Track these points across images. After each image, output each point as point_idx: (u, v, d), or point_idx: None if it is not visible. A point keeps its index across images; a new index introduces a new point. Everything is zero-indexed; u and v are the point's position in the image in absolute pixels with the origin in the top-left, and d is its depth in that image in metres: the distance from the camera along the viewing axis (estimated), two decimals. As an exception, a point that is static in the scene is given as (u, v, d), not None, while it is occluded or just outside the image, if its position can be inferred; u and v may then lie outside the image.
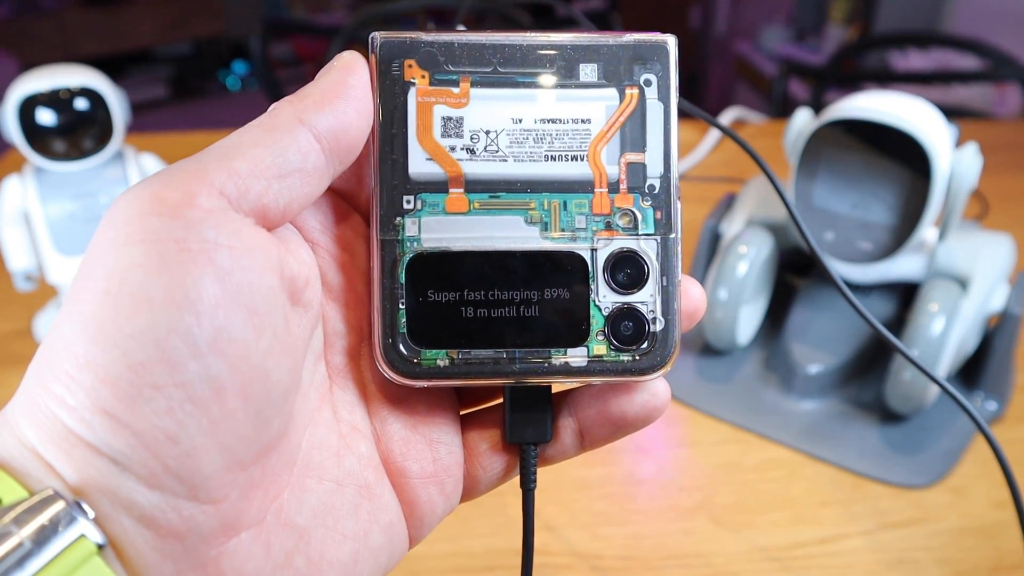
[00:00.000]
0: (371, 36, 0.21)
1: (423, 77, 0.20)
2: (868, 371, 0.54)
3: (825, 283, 0.57)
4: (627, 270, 0.20)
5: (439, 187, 0.20)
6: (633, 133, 0.20)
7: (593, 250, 0.20)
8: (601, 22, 1.39)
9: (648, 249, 0.20)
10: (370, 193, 0.21)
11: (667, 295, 0.20)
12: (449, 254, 0.20)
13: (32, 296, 0.62)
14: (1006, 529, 0.45)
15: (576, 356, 0.20)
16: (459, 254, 0.20)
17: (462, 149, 0.20)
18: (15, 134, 0.52)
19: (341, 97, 0.20)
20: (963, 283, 0.50)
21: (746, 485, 0.48)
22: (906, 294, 0.56)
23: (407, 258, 0.20)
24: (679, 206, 0.21)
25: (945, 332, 0.47)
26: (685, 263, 0.69)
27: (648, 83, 0.20)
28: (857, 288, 0.56)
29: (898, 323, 0.54)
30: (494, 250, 0.20)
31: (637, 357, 0.20)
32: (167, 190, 0.18)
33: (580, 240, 0.20)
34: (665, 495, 0.47)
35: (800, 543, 0.44)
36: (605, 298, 0.20)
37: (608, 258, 0.20)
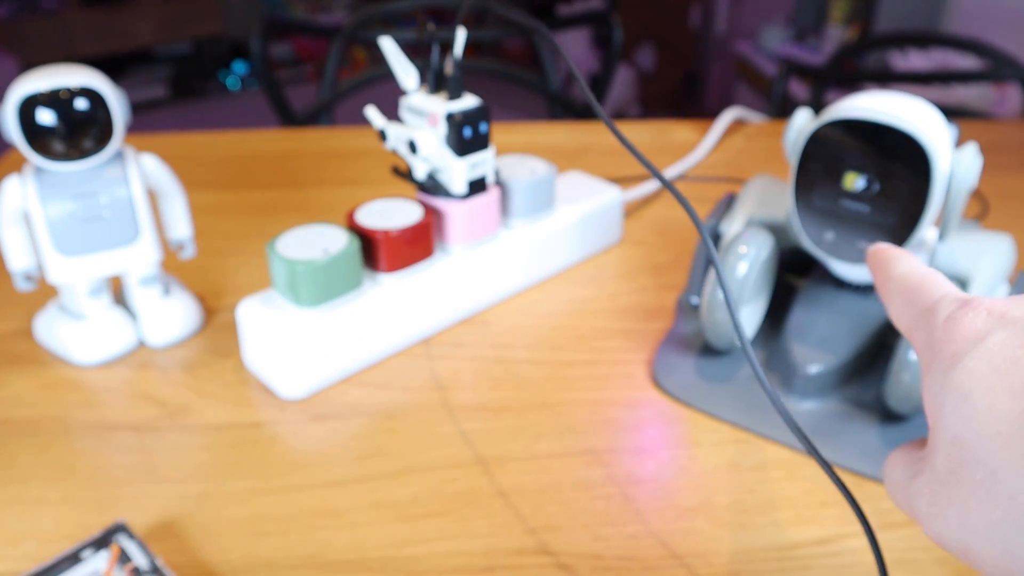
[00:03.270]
0: None
1: None
2: (868, 371, 0.55)
3: (825, 283, 0.57)
4: None
5: None
6: None
7: None
8: (601, 22, 1.39)
9: None
10: None
11: None
12: None
13: (32, 296, 0.62)
14: (1006, 529, 0.45)
15: None
16: None
17: None
18: (15, 134, 0.52)
19: None
20: (963, 283, 0.50)
21: (746, 485, 0.48)
22: (906, 294, 0.56)
23: None
24: None
25: (945, 332, 0.47)
26: (685, 264, 0.69)
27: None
28: (857, 288, 0.56)
29: (898, 323, 0.54)
30: None
31: None
32: None
33: None
34: (665, 495, 0.47)
35: (800, 543, 0.44)
36: None
37: None
